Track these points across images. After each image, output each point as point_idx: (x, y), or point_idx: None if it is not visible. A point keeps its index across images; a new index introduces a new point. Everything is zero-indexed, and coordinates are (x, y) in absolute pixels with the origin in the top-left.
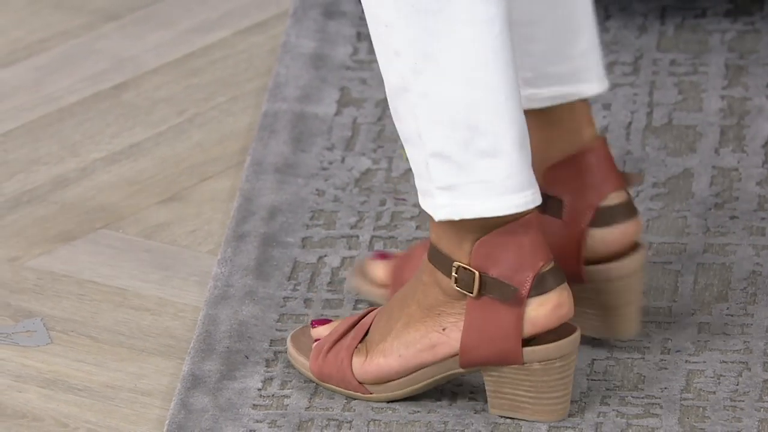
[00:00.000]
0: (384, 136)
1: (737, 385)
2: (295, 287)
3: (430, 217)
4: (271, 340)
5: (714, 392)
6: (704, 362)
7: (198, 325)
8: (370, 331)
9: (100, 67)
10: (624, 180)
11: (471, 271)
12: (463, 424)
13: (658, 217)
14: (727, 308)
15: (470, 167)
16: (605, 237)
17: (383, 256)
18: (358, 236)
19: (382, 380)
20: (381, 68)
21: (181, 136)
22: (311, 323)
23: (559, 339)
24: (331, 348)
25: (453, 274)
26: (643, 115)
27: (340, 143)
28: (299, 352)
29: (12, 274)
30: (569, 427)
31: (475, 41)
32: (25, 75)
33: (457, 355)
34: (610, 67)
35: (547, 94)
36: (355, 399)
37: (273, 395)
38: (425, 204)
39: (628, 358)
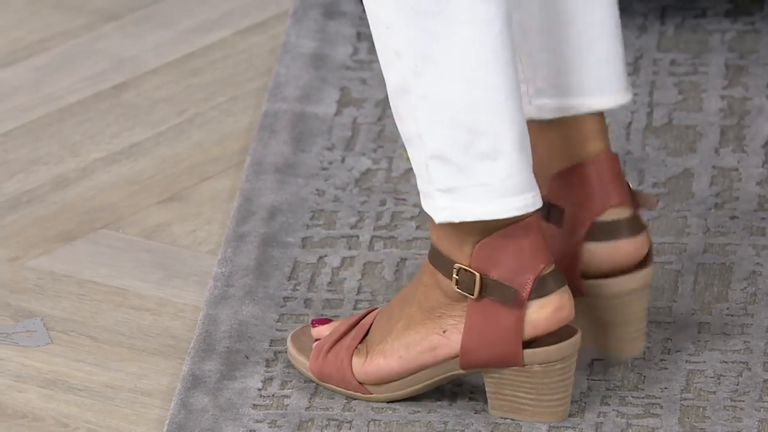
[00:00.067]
0: (384, 136)
1: (737, 385)
2: (295, 287)
3: (431, 218)
4: (271, 340)
5: (714, 392)
6: (704, 362)
7: (198, 325)
8: (370, 331)
9: (100, 67)
10: (631, 197)
11: (472, 272)
12: (463, 424)
13: (658, 217)
14: (727, 308)
15: (470, 170)
16: (600, 252)
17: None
18: (358, 236)
19: (382, 381)
20: (382, 69)
21: (181, 136)
22: (312, 323)
23: (560, 341)
24: (331, 348)
25: (454, 275)
26: (643, 115)
27: (340, 143)
28: (299, 352)
29: (12, 274)
30: (569, 427)
31: (475, 42)
32: (25, 75)
33: (457, 356)
34: None
35: (555, 105)
36: (355, 399)
37: (273, 395)
38: (426, 205)
39: (628, 358)
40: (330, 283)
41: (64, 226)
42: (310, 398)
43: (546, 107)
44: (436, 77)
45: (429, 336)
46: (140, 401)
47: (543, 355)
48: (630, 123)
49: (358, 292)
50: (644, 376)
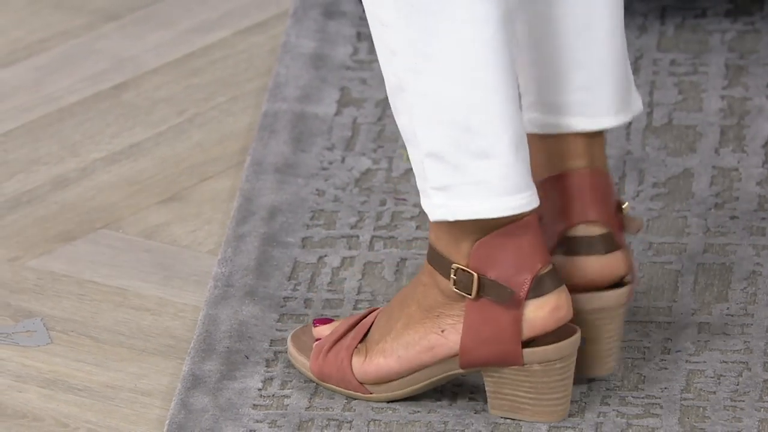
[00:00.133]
0: (384, 136)
1: (737, 385)
2: (296, 287)
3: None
4: (271, 340)
5: (714, 392)
6: (704, 362)
7: (198, 325)
8: (370, 331)
9: (100, 67)
10: (609, 216)
11: (469, 272)
12: (463, 424)
13: (658, 217)
14: (727, 308)
15: (465, 168)
16: (568, 265)
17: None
18: (358, 236)
19: (382, 380)
20: (381, 67)
21: (181, 136)
22: (313, 322)
23: (559, 340)
24: (331, 348)
25: (452, 275)
26: (643, 115)
27: (340, 143)
28: (299, 352)
29: (12, 274)
30: (569, 427)
31: (473, 41)
32: (25, 75)
33: (455, 356)
34: None
35: (542, 121)
36: (355, 399)
37: (273, 395)
38: (423, 204)
39: (628, 358)
40: (330, 283)
41: (64, 226)
42: (310, 398)
43: (534, 122)
44: (432, 75)
45: (427, 335)
46: (140, 401)
47: (542, 355)
48: (630, 123)
49: (358, 292)
50: (644, 376)
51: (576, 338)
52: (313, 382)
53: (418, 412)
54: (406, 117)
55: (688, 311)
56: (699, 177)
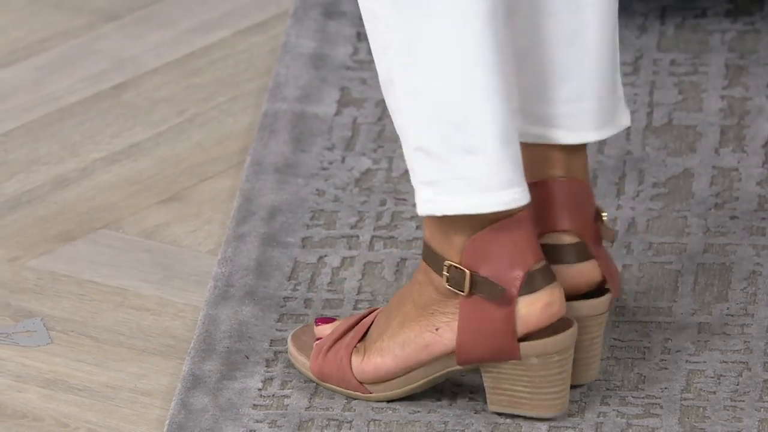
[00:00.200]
0: (384, 136)
1: (737, 385)
2: (296, 287)
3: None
4: (271, 340)
5: (714, 392)
6: (704, 362)
7: (198, 325)
8: (369, 330)
9: (100, 67)
10: (582, 226)
11: (462, 269)
12: (463, 424)
13: (658, 217)
14: (727, 308)
15: (452, 163)
16: None
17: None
18: (358, 236)
19: (380, 379)
20: (375, 61)
21: (181, 136)
22: (315, 321)
23: (556, 333)
24: (330, 347)
25: (444, 272)
26: (644, 115)
27: (340, 143)
28: (300, 352)
29: (12, 274)
30: (569, 427)
31: (461, 36)
32: (25, 75)
33: (451, 353)
34: None
35: (524, 130)
36: (355, 399)
37: (273, 395)
38: (415, 199)
39: (628, 358)
40: (330, 283)
41: (64, 226)
42: (310, 398)
43: (519, 130)
44: (420, 70)
45: (422, 334)
46: (140, 401)
47: (539, 348)
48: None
49: (358, 292)
50: (644, 376)
51: (572, 331)
52: (313, 382)
53: (418, 412)
54: (397, 111)
55: (688, 311)
56: (699, 177)
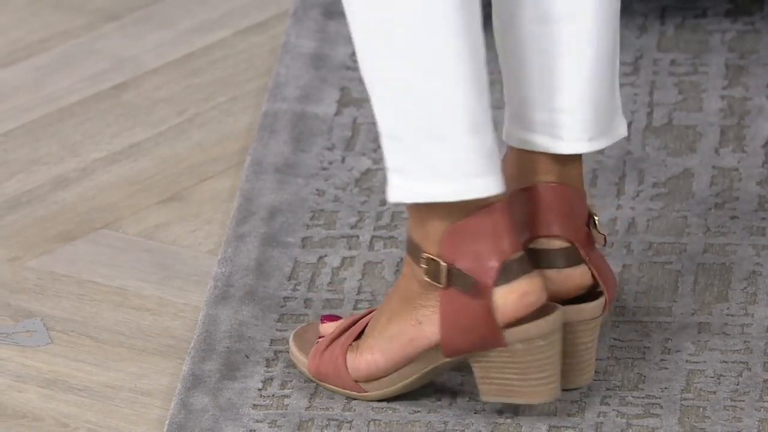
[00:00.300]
0: None
1: (737, 385)
2: (296, 287)
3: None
4: (271, 339)
5: (714, 392)
6: (704, 362)
7: (198, 325)
8: (366, 328)
9: (100, 67)
10: (573, 232)
11: (438, 261)
12: (463, 424)
13: (658, 217)
14: (727, 308)
15: (419, 150)
16: None
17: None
18: (358, 236)
19: (372, 377)
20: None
21: (181, 136)
22: (321, 319)
23: (539, 318)
24: (327, 347)
25: (423, 265)
26: (644, 115)
27: (340, 143)
28: (300, 351)
29: (12, 274)
30: (569, 427)
31: (429, 21)
32: (25, 75)
33: (435, 346)
34: None
35: (518, 136)
36: (354, 399)
37: (273, 395)
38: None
39: (628, 358)
40: (330, 283)
41: (64, 226)
42: (310, 398)
43: (511, 135)
44: (389, 55)
45: (407, 328)
46: (140, 401)
47: (523, 333)
48: (630, 123)
49: (358, 292)
50: (644, 376)
51: (557, 315)
52: (313, 381)
53: (418, 412)
54: (372, 98)
55: (688, 311)
56: (699, 177)
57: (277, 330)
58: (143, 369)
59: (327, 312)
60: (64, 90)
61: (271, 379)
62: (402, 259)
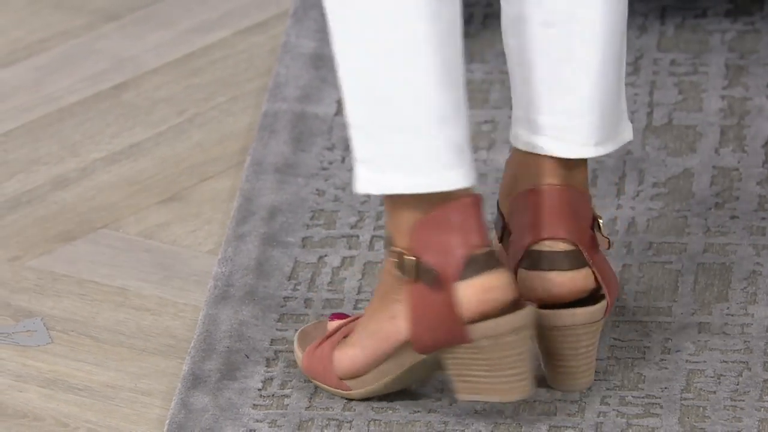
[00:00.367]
0: None
1: (737, 384)
2: (296, 287)
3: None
4: (271, 339)
5: (714, 392)
6: (704, 362)
7: (198, 325)
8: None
9: (100, 67)
10: (577, 234)
11: (406, 255)
12: (463, 424)
13: (658, 217)
14: (727, 308)
15: (384, 141)
16: (530, 279)
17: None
18: (358, 236)
19: (355, 373)
20: None
21: (181, 136)
22: (330, 317)
23: (507, 314)
24: (320, 344)
25: (394, 258)
26: (644, 115)
27: (340, 143)
28: (301, 349)
29: (12, 274)
30: (569, 427)
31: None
32: (25, 75)
33: (408, 342)
34: None
35: (526, 139)
36: (351, 399)
37: (273, 395)
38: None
39: (628, 358)
40: (330, 282)
41: (64, 226)
42: (310, 398)
43: (518, 137)
44: (354, 44)
45: (383, 323)
46: (140, 401)
47: (488, 329)
48: (630, 123)
49: (359, 292)
50: (644, 376)
51: (524, 313)
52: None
53: (418, 412)
54: (341, 87)
55: (688, 311)
56: (699, 177)
57: (277, 330)
58: (143, 369)
59: (327, 312)
60: (64, 90)
61: (271, 378)
62: None
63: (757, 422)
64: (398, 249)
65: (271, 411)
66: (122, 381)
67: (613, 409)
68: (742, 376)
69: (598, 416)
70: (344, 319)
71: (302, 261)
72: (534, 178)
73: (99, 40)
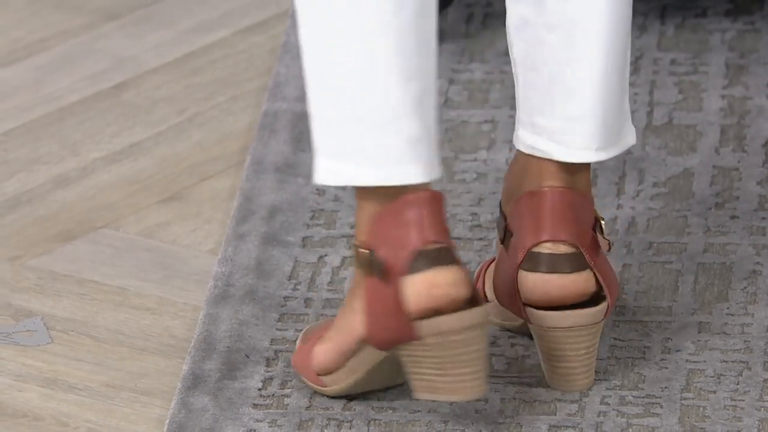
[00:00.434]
0: None
1: (737, 384)
2: (296, 287)
3: None
4: (271, 339)
5: (714, 392)
6: (704, 362)
7: (198, 325)
8: None
9: (100, 67)
10: (577, 237)
11: (360, 248)
12: (463, 424)
13: (658, 216)
14: (727, 308)
15: (340, 133)
16: (530, 281)
17: None
18: None
19: (327, 369)
20: None
21: (181, 135)
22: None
23: (456, 312)
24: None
25: (353, 251)
26: (644, 114)
27: None
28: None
29: (12, 273)
30: (569, 426)
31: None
32: (26, 74)
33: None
34: None
35: (528, 142)
36: (351, 399)
37: (273, 395)
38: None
39: (628, 357)
40: (330, 282)
41: (64, 225)
42: (310, 398)
43: (522, 140)
44: (313, 34)
45: (347, 317)
46: (140, 401)
47: (434, 327)
48: (634, 127)
49: None
50: (644, 376)
51: (474, 312)
52: None
53: (418, 411)
54: (305, 77)
55: (688, 311)
56: (699, 176)
57: (277, 329)
58: (143, 368)
59: (328, 312)
60: (64, 89)
61: (271, 378)
62: None
63: (757, 422)
64: (357, 242)
65: (271, 411)
66: (122, 381)
67: (613, 409)
68: (742, 375)
69: (598, 416)
70: None
71: (302, 261)
72: (536, 181)
73: (99, 40)
